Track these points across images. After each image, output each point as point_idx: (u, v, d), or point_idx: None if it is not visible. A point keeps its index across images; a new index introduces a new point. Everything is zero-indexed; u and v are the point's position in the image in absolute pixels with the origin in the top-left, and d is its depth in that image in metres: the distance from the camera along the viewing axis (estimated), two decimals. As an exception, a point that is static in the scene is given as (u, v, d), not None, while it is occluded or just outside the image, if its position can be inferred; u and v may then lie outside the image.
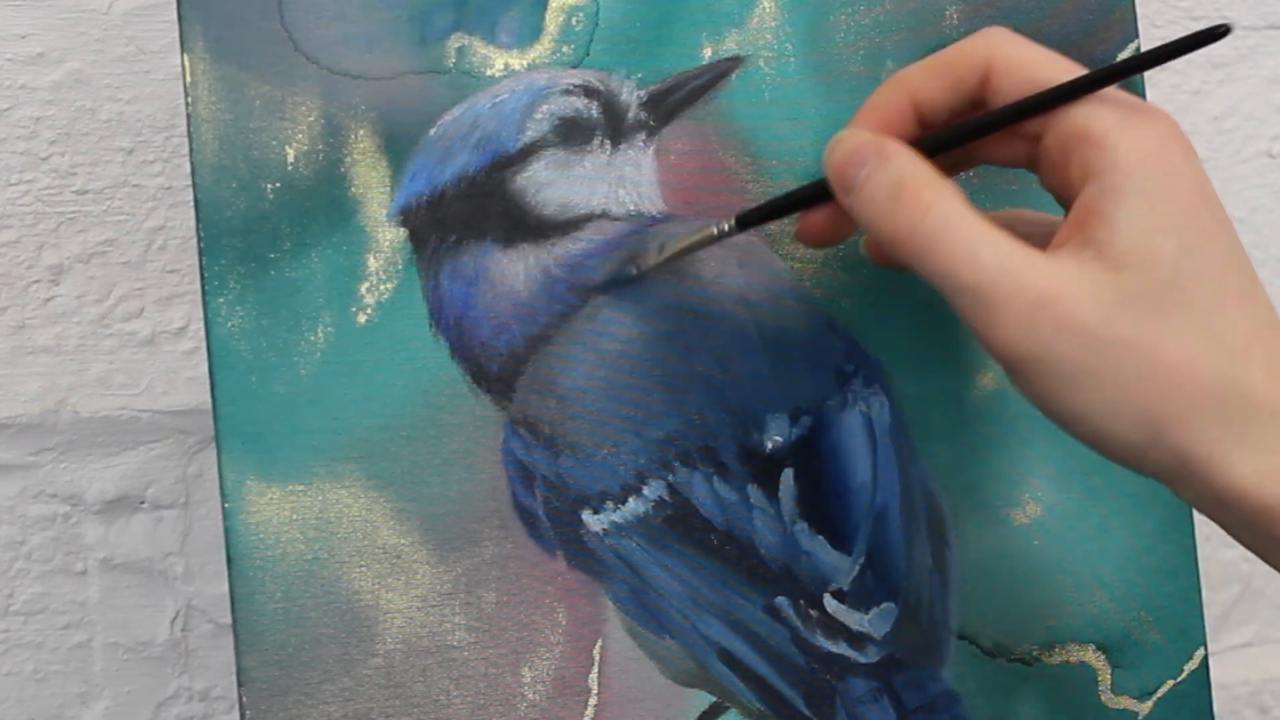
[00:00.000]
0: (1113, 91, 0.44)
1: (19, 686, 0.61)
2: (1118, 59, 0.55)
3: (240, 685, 0.50)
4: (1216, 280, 0.42)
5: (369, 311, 0.51)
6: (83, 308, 0.62)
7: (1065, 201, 0.45)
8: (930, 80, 0.46)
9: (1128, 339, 0.42)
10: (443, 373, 0.51)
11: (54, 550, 0.62)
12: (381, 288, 0.51)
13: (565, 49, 0.52)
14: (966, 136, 0.47)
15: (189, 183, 0.51)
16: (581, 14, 0.53)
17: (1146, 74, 0.59)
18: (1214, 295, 0.42)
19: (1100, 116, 0.43)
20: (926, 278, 0.44)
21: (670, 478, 0.52)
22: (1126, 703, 0.54)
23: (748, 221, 0.49)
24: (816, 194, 0.48)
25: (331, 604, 0.50)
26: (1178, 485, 0.43)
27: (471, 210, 0.51)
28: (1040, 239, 0.45)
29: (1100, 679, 0.54)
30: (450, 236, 0.51)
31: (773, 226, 0.53)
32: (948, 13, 0.55)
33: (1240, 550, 0.69)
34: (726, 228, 0.49)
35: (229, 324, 0.50)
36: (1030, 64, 0.45)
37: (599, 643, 0.52)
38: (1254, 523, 0.42)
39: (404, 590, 0.51)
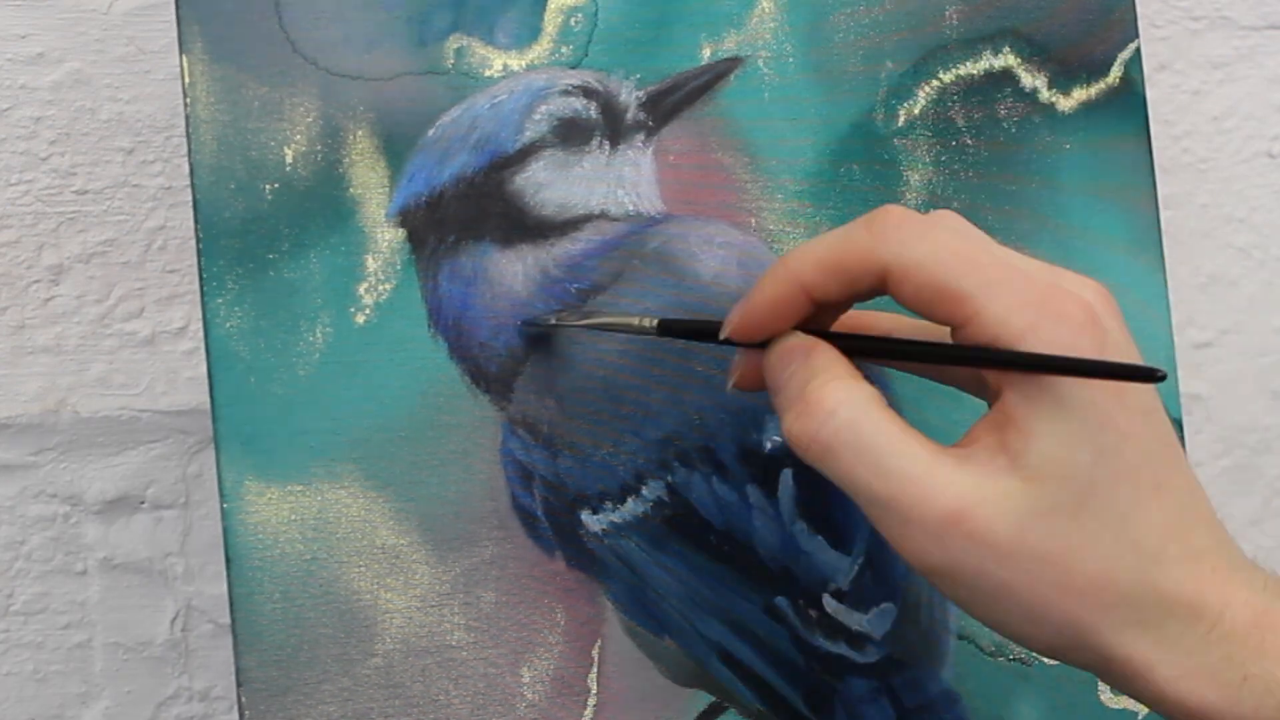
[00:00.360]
0: (1030, 279, 0.41)
1: (19, 686, 0.61)
2: (1117, 59, 0.55)
3: (239, 685, 0.50)
4: (1132, 479, 0.41)
5: (367, 312, 0.51)
6: (83, 308, 0.62)
7: (981, 394, 0.44)
8: (823, 279, 0.43)
9: (1042, 552, 0.40)
10: (441, 373, 0.51)
11: (54, 550, 0.62)
12: (380, 288, 0.51)
13: (564, 49, 0.52)
14: (898, 355, 0.45)
15: (189, 183, 0.51)
16: (580, 15, 0.52)
17: (1147, 73, 0.58)
18: (1130, 496, 0.41)
19: (1012, 322, 0.41)
20: (836, 483, 0.42)
21: (669, 478, 0.52)
22: (1126, 703, 0.54)
23: (669, 330, 0.47)
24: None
25: (330, 604, 0.50)
26: (1110, 682, 0.43)
27: (470, 211, 0.51)
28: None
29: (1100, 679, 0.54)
30: (449, 237, 0.51)
31: (771, 225, 0.53)
32: (947, 13, 0.54)
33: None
34: (648, 324, 0.47)
35: (227, 324, 0.50)
36: (928, 267, 0.42)
37: (598, 643, 0.52)
38: None
39: (403, 590, 0.51)
